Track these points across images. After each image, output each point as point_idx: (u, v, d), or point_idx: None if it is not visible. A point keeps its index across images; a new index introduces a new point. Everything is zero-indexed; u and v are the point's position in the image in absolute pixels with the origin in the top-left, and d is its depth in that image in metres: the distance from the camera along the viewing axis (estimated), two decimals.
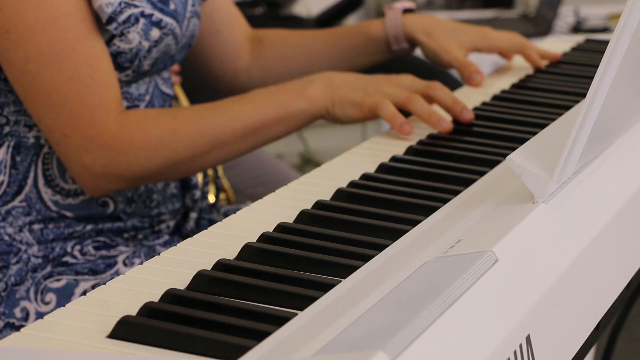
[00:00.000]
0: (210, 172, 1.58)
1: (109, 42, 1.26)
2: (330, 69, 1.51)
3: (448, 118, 1.31)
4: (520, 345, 0.79)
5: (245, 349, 0.74)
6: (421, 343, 0.71)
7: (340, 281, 0.87)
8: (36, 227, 1.30)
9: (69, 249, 1.30)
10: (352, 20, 3.70)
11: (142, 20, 1.26)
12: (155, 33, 1.27)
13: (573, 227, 0.96)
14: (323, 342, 0.73)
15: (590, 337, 0.93)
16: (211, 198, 1.55)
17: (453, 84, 1.94)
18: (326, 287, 0.85)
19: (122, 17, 1.24)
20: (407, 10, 1.56)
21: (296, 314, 0.80)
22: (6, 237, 1.29)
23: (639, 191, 1.07)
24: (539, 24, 3.15)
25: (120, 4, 1.23)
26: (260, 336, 0.76)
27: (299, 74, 1.51)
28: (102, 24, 1.25)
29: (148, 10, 1.27)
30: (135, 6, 1.25)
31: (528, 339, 0.80)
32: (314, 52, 1.57)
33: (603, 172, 1.04)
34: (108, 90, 1.23)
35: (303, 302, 0.82)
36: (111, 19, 1.24)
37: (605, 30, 3.10)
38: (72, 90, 1.22)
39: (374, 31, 1.55)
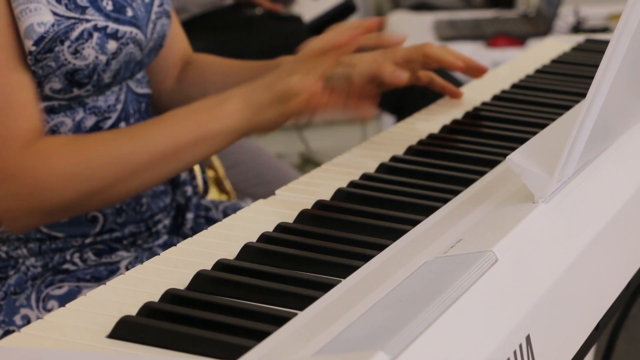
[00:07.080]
0: (196, 168, 1.53)
1: (60, 65, 1.19)
2: None
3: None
4: (520, 345, 0.79)
5: (245, 349, 0.74)
6: (421, 343, 0.71)
7: (340, 281, 0.87)
8: (32, 245, 1.27)
9: (68, 257, 1.27)
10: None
11: (96, 35, 1.20)
12: (112, 45, 1.22)
13: (573, 227, 0.96)
14: (323, 342, 0.73)
15: (590, 337, 0.93)
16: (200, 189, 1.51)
17: (455, 84, 1.92)
18: (326, 287, 0.85)
19: (74, 34, 1.19)
20: None
21: (296, 314, 0.80)
22: (2, 255, 1.27)
23: (639, 191, 1.07)
24: (539, 24, 3.15)
25: (53, 25, 1.17)
26: (260, 336, 0.76)
27: None
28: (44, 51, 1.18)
29: (101, 22, 1.21)
30: (87, 20, 1.20)
31: (528, 339, 0.80)
32: (231, 84, 1.41)
33: (603, 172, 1.04)
34: (18, 121, 1.17)
35: (303, 302, 0.82)
36: (43, 39, 1.17)
37: (605, 30, 3.10)
38: None
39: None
